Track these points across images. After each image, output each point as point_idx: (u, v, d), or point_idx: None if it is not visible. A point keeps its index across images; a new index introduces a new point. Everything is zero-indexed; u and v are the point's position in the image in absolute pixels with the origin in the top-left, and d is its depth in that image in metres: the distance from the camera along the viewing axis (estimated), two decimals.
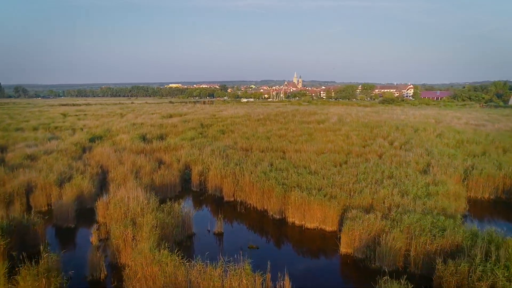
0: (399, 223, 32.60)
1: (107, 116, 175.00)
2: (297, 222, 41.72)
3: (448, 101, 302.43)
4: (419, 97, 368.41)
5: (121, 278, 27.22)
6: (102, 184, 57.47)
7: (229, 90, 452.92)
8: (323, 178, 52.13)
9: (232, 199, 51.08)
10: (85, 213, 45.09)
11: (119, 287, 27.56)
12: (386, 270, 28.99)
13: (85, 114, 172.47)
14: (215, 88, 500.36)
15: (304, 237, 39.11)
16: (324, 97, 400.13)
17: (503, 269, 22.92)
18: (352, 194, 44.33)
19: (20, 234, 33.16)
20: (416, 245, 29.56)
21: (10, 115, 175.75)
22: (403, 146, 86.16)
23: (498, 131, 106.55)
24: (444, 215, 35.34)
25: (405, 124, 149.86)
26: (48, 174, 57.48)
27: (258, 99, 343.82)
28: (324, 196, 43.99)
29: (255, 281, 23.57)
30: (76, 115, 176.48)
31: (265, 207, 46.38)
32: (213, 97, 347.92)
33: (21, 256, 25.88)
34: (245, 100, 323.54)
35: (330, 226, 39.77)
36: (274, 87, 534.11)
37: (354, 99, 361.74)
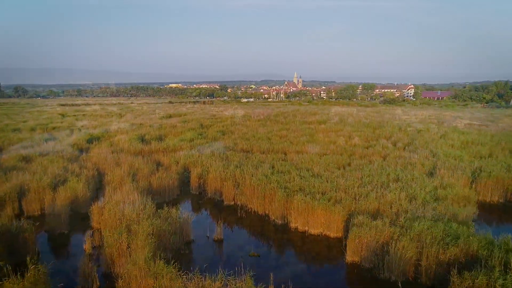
0: (408, 231, 30.91)
1: (105, 116, 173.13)
2: (300, 228, 40.13)
3: (449, 101, 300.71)
4: (420, 97, 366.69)
5: None
6: (98, 187, 56.37)
7: (229, 90, 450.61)
8: (327, 181, 50.49)
9: (232, 202, 49.51)
10: (79, 218, 43.30)
11: None
12: (396, 281, 27.35)
13: (83, 115, 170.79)
14: (215, 88, 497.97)
15: (308, 243, 37.36)
16: (324, 97, 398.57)
17: None
18: (357, 198, 42.50)
19: (8, 242, 31.40)
20: (427, 255, 27.84)
21: (8, 115, 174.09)
22: (407, 147, 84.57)
23: (503, 132, 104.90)
24: (455, 221, 33.68)
25: (408, 124, 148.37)
26: (42, 177, 55.47)
27: (258, 99, 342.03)
28: (328, 200, 41.73)
29: None
30: (75, 115, 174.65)
31: (267, 212, 44.80)
32: (213, 97, 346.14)
33: (8, 266, 24.21)
34: (245, 100, 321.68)
35: (334, 232, 38.04)
36: (274, 87, 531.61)
37: (355, 99, 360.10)
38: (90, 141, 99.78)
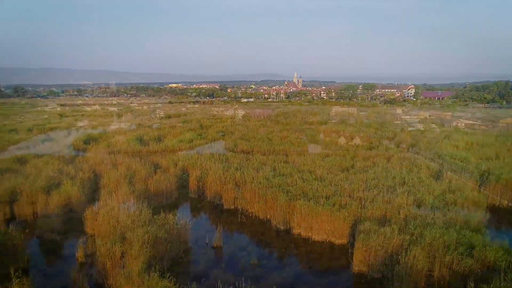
0: (419, 239, 29.21)
1: (105, 116, 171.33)
2: (303, 234, 38.29)
3: (450, 102, 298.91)
4: (421, 97, 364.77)
5: None
6: (94, 190, 54.35)
7: (229, 90, 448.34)
8: (331, 185, 48.65)
9: (233, 206, 47.63)
10: (73, 223, 41.54)
11: None
12: None
13: (82, 115, 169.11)
14: (215, 88, 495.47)
15: (312, 251, 35.39)
16: (324, 97, 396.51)
17: None
18: (363, 203, 40.83)
19: None
20: (440, 265, 26.14)
21: (7, 115, 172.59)
22: (410, 149, 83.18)
23: (508, 132, 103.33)
24: (467, 227, 31.99)
25: (409, 124, 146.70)
26: (36, 180, 53.66)
27: (258, 99, 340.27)
28: (333, 205, 39.73)
29: None
30: (73, 116, 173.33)
31: (268, 217, 43.04)
32: (213, 97, 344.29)
33: None
34: (245, 100, 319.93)
35: (340, 239, 36.09)
36: (274, 87, 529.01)
37: (355, 99, 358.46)
38: (87, 142, 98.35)
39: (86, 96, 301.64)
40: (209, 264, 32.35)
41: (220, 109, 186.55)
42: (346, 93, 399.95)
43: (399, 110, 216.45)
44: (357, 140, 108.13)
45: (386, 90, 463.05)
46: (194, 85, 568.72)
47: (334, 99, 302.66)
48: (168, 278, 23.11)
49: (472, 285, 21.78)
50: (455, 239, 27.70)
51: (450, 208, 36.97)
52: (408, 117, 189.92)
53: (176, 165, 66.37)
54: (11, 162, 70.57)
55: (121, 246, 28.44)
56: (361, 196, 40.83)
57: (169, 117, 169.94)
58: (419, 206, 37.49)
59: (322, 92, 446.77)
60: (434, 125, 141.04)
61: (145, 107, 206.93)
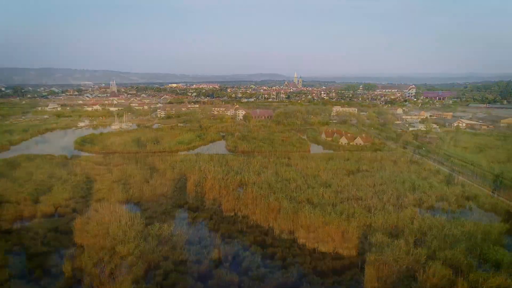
0: (438, 253, 26.69)
1: (105, 116, 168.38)
2: (309, 245, 35.27)
3: (451, 101, 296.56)
4: (421, 97, 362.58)
5: None
6: (86, 195, 50.33)
7: (229, 90, 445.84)
8: (337, 191, 45.61)
9: (232, 213, 44.29)
10: (61, 233, 38.07)
11: None
12: None
13: (79, 116, 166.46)
14: (215, 88, 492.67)
15: (319, 264, 31.91)
16: (325, 97, 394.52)
17: None
18: (372, 211, 38.48)
19: None
20: (463, 284, 23.64)
21: (5, 116, 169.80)
22: (417, 150, 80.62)
23: None
24: (487, 238, 29.48)
25: (410, 124, 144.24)
26: (24, 185, 50.66)
27: (258, 99, 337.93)
28: (340, 214, 37.37)
29: None
30: (74, 116, 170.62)
31: (271, 225, 39.93)
32: (213, 97, 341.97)
33: None
34: (245, 100, 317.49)
35: (348, 250, 33.01)
36: (274, 87, 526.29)
37: (356, 99, 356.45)
38: (85, 143, 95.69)
39: (87, 96, 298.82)
40: (205, 281, 29.60)
41: (221, 109, 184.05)
42: (347, 93, 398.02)
43: (399, 110, 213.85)
44: (358, 141, 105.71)
45: (387, 90, 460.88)
46: (194, 85, 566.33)
47: (334, 99, 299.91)
48: None
49: None
50: (479, 254, 25.00)
51: (467, 216, 34.31)
52: (409, 117, 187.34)
53: (174, 168, 63.54)
54: (0, 165, 67.66)
55: (110, 262, 25.82)
56: (370, 204, 38.26)
57: (169, 117, 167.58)
58: (433, 214, 34.81)
59: (322, 92, 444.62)
60: (435, 125, 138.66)
61: (145, 107, 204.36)
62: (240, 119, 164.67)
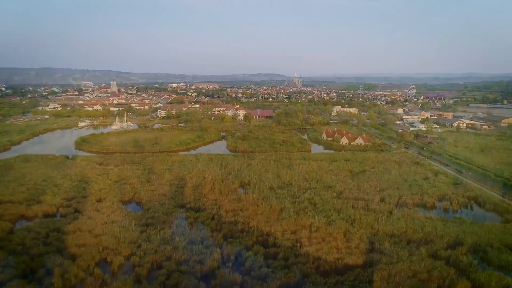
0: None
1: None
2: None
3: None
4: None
5: None
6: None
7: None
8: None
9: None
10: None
11: None
12: None
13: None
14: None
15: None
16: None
17: None
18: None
19: None
20: None
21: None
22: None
23: None
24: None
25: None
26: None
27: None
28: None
29: None
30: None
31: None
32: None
33: None
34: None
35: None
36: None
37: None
38: (84, 143, 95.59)
39: (87, 96, 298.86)
40: (208, 280, 29.71)
41: (222, 109, 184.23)
42: (347, 93, 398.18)
43: (400, 110, 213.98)
44: (359, 141, 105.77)
45: (387, 90, 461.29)
46: (194, 85, 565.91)
47: (335, 99, 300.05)
48: None
49: None
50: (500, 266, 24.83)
51: (481, 224, 34.30)
52: (409, 117, 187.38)
53: (175, 168, 63.33)
54: (1, 165, 67.38)
55: (112, 262, 26.03)
56: (376, 208, 38.11)
57: (170, 117, 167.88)
58: (444, 221, 34.70)
59: (322, 92, 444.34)
60: (436, 125, 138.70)
61: (146, 107, 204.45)
62: (241, 119, 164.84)
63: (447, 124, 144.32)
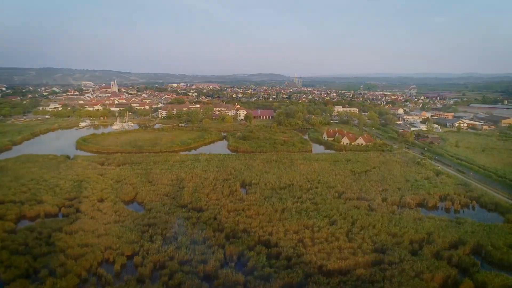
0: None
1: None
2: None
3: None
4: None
5: None
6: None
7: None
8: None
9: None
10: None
11: None
12: None
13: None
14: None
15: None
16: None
17: None
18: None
19: None
20: None
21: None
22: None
23: None
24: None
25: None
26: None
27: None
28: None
29: None
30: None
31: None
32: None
33: None
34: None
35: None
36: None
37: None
38: (85, 143, 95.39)
39: (88, 96, 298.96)
40: (211, 280, 29.85)
41: (222, 109, 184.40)
42: (347, 93, 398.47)
43: (401, 110, 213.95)
44: (360, 141, 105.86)
45: (387, 90, 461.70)
46: (194, 85, 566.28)
47: (335, 99, 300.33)
48: None
49: None
50: None
51: (482, 223, 34.37)
52: (410, 117, 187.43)
53: (176, 168, 63.10)
54: (2, 165, 67.35)
55: (105, 272, 25.97)
56: (378, 208, 38.23)
57: (170, 117, 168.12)
58: (446, 221, 34.82)
59: (322, 92, 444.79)
60: (437, 125, 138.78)
61: (146, 107, 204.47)
62: (241, 119, 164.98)
63: (448, 124, 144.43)
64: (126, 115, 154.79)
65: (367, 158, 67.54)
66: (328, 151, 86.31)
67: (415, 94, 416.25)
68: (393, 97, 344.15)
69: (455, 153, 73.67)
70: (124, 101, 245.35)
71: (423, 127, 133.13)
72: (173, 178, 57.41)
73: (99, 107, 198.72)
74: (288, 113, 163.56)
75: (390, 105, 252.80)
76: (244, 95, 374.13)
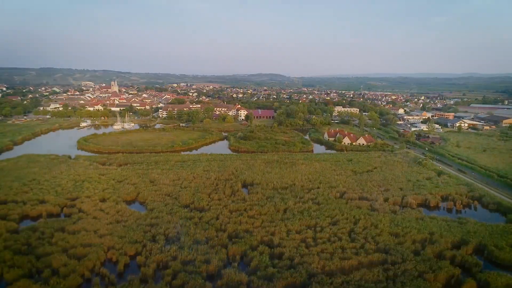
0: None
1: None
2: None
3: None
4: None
5: None
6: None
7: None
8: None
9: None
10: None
11: None
12: None
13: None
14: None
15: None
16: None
17: None
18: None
19: None
20: None
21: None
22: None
23: None
24: None
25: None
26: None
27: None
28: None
29: None
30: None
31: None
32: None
33: None
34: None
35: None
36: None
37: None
38: (86, 143, 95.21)
39: (88, 96, 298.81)
40: (214, 280, 29.80)
41: (223, 109, 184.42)
42: (348, 93, 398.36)
43: (401, 111, 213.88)
44: (361, 141, 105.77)
45: (388, 90, 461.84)
46: (195, 85, 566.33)
47: (335, 99, 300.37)
48: None
49: None
50: None
51: (484, 223, 34.23)
52: (410, 117, 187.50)
53: (177, 168, 63.26)
54: (3, 165, 67.03)
55: (108, 272, 25.85)
56: (380, 208, 38.09)
57: (171, 117, 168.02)
58: (448, 221, 34.76)
59: (323, 92, 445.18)
60: (437, 125, 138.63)
61: (147, 107, 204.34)
62: (242, 119, 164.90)
63: (449, 124, 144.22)
64: (126, 115, 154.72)
65: (369, 158, 67.40)
66: (329, 151, 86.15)
67: (415, 94, 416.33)
68: (393, 97, 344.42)
69: (456, 153, 73.53)
70: (125, 101, 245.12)
71: (424, 127, 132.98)
72: (174, 178, 57.34)
73: (99, 107, 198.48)
74: (288, 113, 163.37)
75: (391, 105, 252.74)
76: (245, 95, 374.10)
